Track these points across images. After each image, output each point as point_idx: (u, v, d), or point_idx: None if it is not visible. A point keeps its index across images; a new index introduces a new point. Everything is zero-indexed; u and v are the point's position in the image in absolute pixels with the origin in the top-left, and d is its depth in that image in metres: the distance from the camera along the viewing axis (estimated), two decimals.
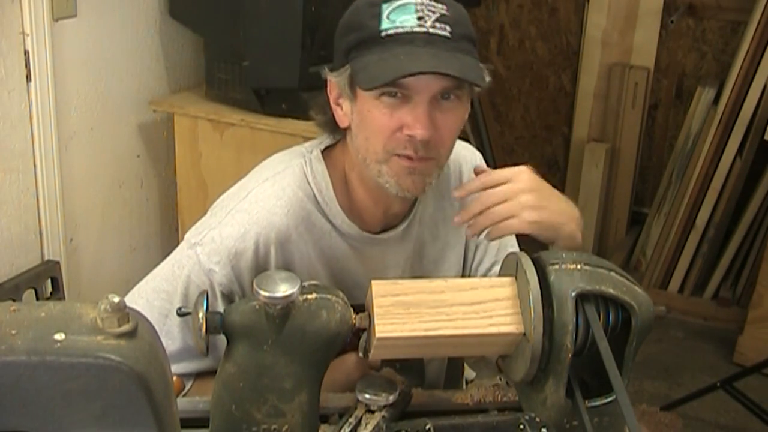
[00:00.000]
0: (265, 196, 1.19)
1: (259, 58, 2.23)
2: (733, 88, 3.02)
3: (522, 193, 1.11)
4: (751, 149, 3.04)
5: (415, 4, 1.08)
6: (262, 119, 2.31)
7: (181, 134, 2.47)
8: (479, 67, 1.13)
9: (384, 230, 1.26)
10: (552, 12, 3.69)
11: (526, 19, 3.74)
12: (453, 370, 1.44)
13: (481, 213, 1.12)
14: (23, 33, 2.08)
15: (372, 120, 1.12)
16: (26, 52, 2.09)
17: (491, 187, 1.13)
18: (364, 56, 1.09)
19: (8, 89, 2.07)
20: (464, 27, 1.12)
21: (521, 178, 1.13)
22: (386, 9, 1.08)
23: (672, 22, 3.39)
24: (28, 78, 2.11)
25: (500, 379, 1.24)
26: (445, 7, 1.10)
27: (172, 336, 1.19)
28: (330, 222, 1.22)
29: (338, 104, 1.18)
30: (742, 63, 2.99)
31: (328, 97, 1.19)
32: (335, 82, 1.15)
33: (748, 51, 2.98)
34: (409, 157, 1.11)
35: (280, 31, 2.18)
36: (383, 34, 1.08)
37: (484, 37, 3.82)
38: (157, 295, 1.20)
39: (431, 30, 1.07)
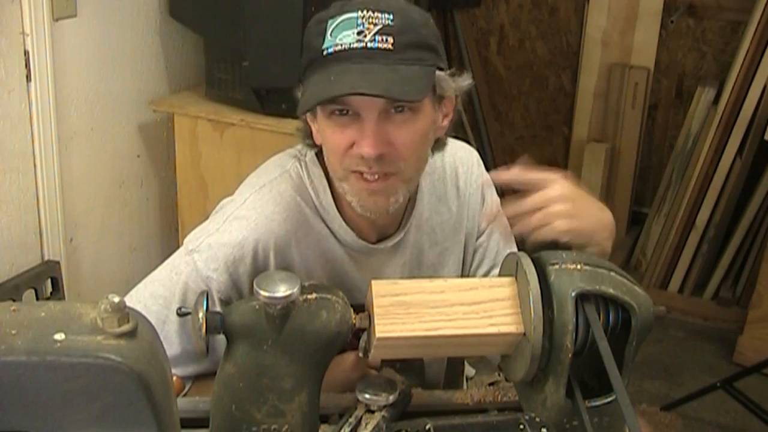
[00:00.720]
0: (262, 203, 1.19)
1: (259, 58, 2.23)
2: (733, 88, 3.02)
3: (556, 202, 1.09)
4: (751, 149, 3.04)
5: (357, 17, 1.05)
6: (262, 119, 2.31)
7: (181, 134, 2.47)
8: (424, 76, 1.08)
9: (380, 239, 1.25)
10: (552, 12, 3.69)
11: (526, 19, 3.74)
12: (453, 369, 1.44)
13: (514, 218, 1.10)
14: (23, 33, 2.08)
15: (326, 138, 1.12)
16: (26, 52, 2.09)
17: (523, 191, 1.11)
18: (309, 77, 1.09)
19: (8, 89, 2.07)
20: (413, 34, 1.07)
21: (556, 186, 1.10)
22: (330, 25, 1.07)
23: (672, 22, 3.39)
24: (28, 78, 2.11)
25: (498, 374, 1.24)
26: (390, 15, 1.06)
27: (170, 341, 1.18)
28: (327, 227, 1.22)
29: (311, 121, 1.18)
30: (742, 63, 2.99)
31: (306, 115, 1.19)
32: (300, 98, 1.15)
33: (748, 51, 2.98)
34: (365, 177, 1.10)
35: (280, 31, 2.18)
36: (324, 53, 1.06)
37: (484, 37, 3.82)
38: (154, 300, 1.19)
39: (369, 44, 1.04)
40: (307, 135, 1.21)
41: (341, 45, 1.05)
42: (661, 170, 3.52)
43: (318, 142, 1.18)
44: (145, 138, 2.58)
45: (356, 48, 1.04)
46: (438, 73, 1.11)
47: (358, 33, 1.05)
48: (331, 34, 1.06)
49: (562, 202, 1.09)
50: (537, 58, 3.78)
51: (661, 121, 3.64)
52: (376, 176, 1.10)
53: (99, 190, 2.45)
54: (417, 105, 1.09)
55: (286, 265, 1.19)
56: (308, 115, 1.17)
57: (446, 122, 1.19)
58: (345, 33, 1.05)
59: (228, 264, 1.16)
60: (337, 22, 1.06)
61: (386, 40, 1.05)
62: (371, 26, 1.05)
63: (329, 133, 1.11)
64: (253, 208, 1.19)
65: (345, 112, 1.08)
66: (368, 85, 1.02)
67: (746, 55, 2.98)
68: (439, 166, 1.31)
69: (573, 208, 1.09)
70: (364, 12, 1.06)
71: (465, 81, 1.16)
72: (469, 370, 1.53)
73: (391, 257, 1.27)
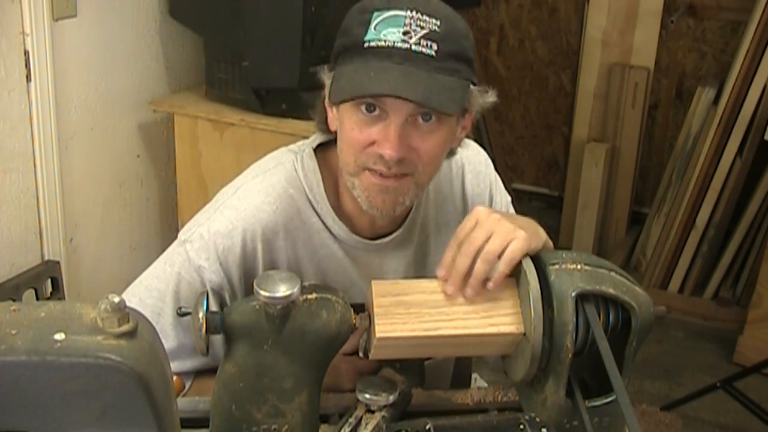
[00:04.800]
0: (253, 193, 1.18)
1: (259, 58, 2.23)
2: (733, 88, 3.02)
3: (498, 222, 1.00)
4: (751, 149, 3.04)
5: (405, 16, 1.04)
6: (262, 119, 2.31)
7: (181, 134, 2.47)
8: (460, 89, 1.07)
9: (379, 236, 1.24)
10: (552, 12, 3.69)
11: (526, 19, 3.74)
12: (460, 371, 1.43)
13: (476, 259, 0.98)
14: (23, 33, 2.08)
15: (345, 132, 1.10)
16: (26, 52, 2.09)
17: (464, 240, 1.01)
18: (344, 65, 1.07)
19: (8, 89, 2.07)
20: (455, 44, 1.06)
21: (483, 215, 1.02)
22: (375, 18, 1.05)
23: (672, 22, 3.39)
24: (28, 78, 2.11)
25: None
26: (437, 22, 1.04)
27: (166, 334, 1.18)
28: (321, 220, 1.20)
29: (330, 107, 1.16)
30: (742, 63, 2.99)
31: (324, 97, 1.17)
32: (327, 84, 1.13)
33: (748, 51, 2.98)
34: (381, 174, 1.08)
35: (280, 31, 2.18)
36: (365, 45, 1.04)
37: (484, 37, 3.82)
38: (149, 293, 1.19)
39: (414, 47, 1.03)
40: (322, 120, 1.19)
41: (384, 41, 1.04)
42: (661, 170, 3.52)
43: (332, 128, 1.17)
44: (145, 138, 2.58)
45: (400, 47, 1.03)
46: (470, 87, 1.10)
47: (404, 33, 1.03)
48: (375, 28, 1.04)
49: (501, 219, 1.01)
50: (537, 58, 3.78)
51: (661, 121, 3.64)
52: (392, 175, 1.09)
53: (99, 190, 2.45)
54: (444, 116, 1.08)
55: (273, 257, 1.18)
56: (326, 82, 1.14)
57: (463, 134, 1.19)
58: (390, 30, 1.04)
59: (218, 253, 1.15)
60: (383, 16, 1.04)
61: (430, 46, 1.04)
62: (418, 29, 1.04)
63: (349, 127, 1.09)
64: (243, 198, 1.18)
65: (372, 108, 1.06)
66: (409, 90, 1.01)
67: (746, 55, 2.98)
68: (445, 164, 1.29)
69: (513, 220, 1.03)
70: (413, 13, 1.04)
71: (490, 98, 1.14)
72: (480, 383, 1.51)
73: (391, 255, 1.25)
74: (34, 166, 2.18)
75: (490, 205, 1.34)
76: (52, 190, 2.22)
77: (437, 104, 1.03)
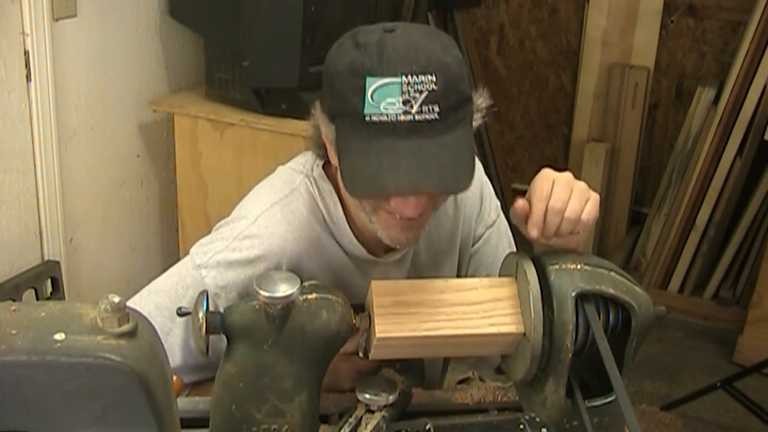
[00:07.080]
0: (275, 222, 1.17)
1: (259, 58, 2.23)
2: (733, 88, 3.02)
3: (574, 181, 1.05)
4: (751, 149, 3.04)
5: (401, 83, 0.98)
6: (262, 119, 2.31)
7: (181, 134, 2.47)
8: (468, 141, 1.05)
9: (387, 251, 1.25)
10: (552, 12, 3.69)
11: (526, 19, 3.74)
12: (443, 368, 1.44)
13: (561, 220, 1.03)
14: (23, 33, 2.08)
15: None
16: (26, 52, 2.09)
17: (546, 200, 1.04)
18: (348, 138, 1.02)
19: (8, 89, 2.07)
20: (455, 95, 1.02)
21: (555, 174, 1.06)
22: (370, 86, 0.98)
23: (672, 22, 3.39)
24: (28, 78, 2.11)
25: (472, 373, 1.23)
26: (433, 78, 0.99)
27: (173, 353, 1.17)
28: (338, 243, 1.20)
29: (328, 139, 1.10)
30: (742, 63, 2.99)
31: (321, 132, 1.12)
32: (324, 132, 1.09)
33: (748, 51, 2.98)
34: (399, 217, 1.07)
35: (280, 31, 2.18)
36: (366, 118, 0.99)
37: (484, 37, 3.82)
38: (159, 311, 1.18)
39: (417, 117, 0.98)
40: (320, 145, 1.16)
41: (386, 116, 0.98)
42: (661, 170, 3.52)
43: (334, 162, 1.11)
44: (145, 138, 2.58)
45: (403, 121, 0.98)
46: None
47: (404, 102, 0.98)
48: (372, 98, 0.99)
49: (576, 181, 1.05)
50: (537, 58, 3.78)
51: (661, 121, 3.64)
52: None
53: (99, 190, 2.45)
54: None
55: None
56: (323, 128, 1.09)
57: None
58: (389, 101, 0.99)
59: (238, 283, 1.15)
60: (378, 84, 0.99)
61: (433, 110, 0.99)
62: (417, 94, 0.99)
63: None
64: (265, 227, 1.17)
65: None
66: (426, 180, 0.99)
67: (746, 55, 2.99)
68: None
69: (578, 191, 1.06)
70: (408, 78, 0.99)
71: (484, 103, 1.13)
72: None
73: (396, 268, 1.27)
74: (34, 166, 2.18)
75: (480, 207, 1.35)
76: (52, 190, 2.22)
77: (455, 187, 1.03)
